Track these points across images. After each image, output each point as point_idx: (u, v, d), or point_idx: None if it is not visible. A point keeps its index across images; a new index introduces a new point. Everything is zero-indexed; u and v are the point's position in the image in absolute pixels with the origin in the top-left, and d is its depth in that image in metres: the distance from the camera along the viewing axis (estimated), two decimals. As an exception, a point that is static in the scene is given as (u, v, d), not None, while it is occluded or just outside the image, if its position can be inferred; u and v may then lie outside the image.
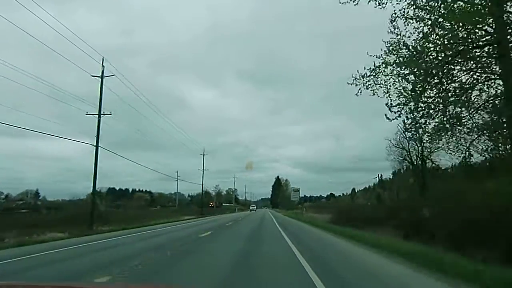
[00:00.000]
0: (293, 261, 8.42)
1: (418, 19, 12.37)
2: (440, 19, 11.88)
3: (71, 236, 16.18)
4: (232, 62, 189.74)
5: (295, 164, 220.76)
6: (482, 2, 11.57)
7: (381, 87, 13.09)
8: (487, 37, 12.07)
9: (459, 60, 12.46)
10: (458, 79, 12.91)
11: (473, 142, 13.43)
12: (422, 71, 12.39)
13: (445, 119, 12.77)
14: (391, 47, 12.81)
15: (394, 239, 12.57)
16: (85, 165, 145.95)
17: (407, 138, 25.82)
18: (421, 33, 12.51)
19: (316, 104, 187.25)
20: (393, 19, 12.68)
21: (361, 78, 13.12)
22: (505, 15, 11.52)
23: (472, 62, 12.57)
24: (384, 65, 12.85)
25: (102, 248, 12.34)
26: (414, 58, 12.41)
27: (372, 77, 13.01)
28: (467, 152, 13.57)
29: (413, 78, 12.73)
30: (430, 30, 12.41)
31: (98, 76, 22.62)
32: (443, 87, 12.84)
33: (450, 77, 12.86)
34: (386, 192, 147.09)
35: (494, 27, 11.80)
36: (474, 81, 12.70)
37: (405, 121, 13.67)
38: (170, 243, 13.18)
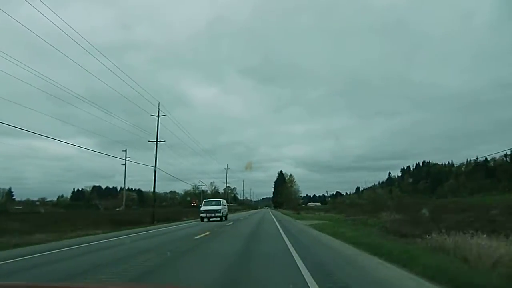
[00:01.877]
0: None
1: None
2: None
3: None
4: (234, 58, 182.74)
5: (297, 163, 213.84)
6: None
7: None
8: None
9: None
10: None
11: None
12: None
13: None
14: None
15: None
16: (57, 165, 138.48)
17: None
18: None
19: (319, 102, 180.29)
20: None
21: None
22: None
23: None
24: None
25: None
26: None
27: None
28: None
29: None
30: None
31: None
32: None
33: None
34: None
35: None
36: None
37: None
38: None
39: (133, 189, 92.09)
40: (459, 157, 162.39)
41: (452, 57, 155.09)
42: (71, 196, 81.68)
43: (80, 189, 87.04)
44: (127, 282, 5.51)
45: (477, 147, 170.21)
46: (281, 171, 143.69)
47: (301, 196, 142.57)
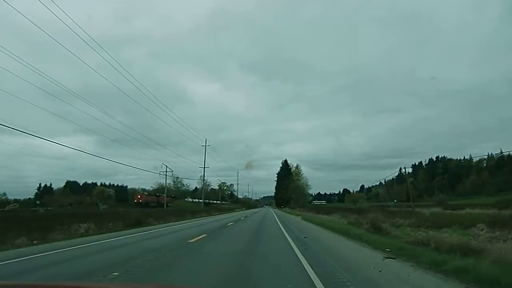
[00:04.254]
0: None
1: None
2: None
3: None
4: (236, 53, 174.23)
5: (300, 162, 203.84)
6: None
7: None
8: None
9: None
10: None
11: None
12: None
13: None
14: None
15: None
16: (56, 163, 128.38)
17: None
18: None
19: (323, 98, 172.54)
20: None
21: None
22: None
23: None
24: None
25: None
26: None
27: None
28: None
29: None
30: None
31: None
32: None
33: None
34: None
35: None
36: None
37: None
38: None
39: (113, 184, 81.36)
40: (464, 154, 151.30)
41: (461, 50, 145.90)
42: (36, 193, 71.04)
43: (48, 184, 75.78)
44: (127, 282, 5.09)
45: (485, 144, 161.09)
46: (285, 160, 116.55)
47: (310, 193, 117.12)
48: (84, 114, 66.22)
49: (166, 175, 53.83)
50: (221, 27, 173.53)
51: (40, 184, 73.87)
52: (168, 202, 54.63)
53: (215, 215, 43.16)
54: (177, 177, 70.22)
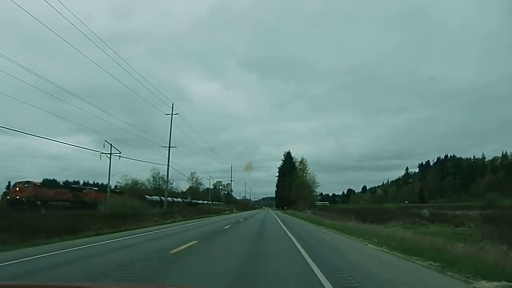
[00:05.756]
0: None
1: None
2: None
3: None
4: (236, 50, 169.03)
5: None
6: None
7: None
8: None
9: None
10: None
11: None
12: None
13: None
14: None
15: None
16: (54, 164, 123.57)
17: None
18: None
19: (324, 98, 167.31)
20: None
21: None
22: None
23: None
24: None
25: None
26: None
27: None
28: None
29: None
30: None
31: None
32: None
33: None
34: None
35: None
36: None
37: None
38: None
39: (97, 183, 74.24)
40: (467, 154, 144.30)
41: (464, 50, 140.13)
42: (4, 192, 64.43)
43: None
44: (127, 282, 5.31)
45: (487, 145, 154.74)
46: (288, 153, 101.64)
47: (317, 192, 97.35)
48: (81, 112, 61.10)
49: (110, 157, 38.02)
50: (221, 24, 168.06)
51: (9, 182, 67.19)
52: (92, 202, 34.74)
53: (171, 222, 26.53)
54: (158, 172, 58.92)
